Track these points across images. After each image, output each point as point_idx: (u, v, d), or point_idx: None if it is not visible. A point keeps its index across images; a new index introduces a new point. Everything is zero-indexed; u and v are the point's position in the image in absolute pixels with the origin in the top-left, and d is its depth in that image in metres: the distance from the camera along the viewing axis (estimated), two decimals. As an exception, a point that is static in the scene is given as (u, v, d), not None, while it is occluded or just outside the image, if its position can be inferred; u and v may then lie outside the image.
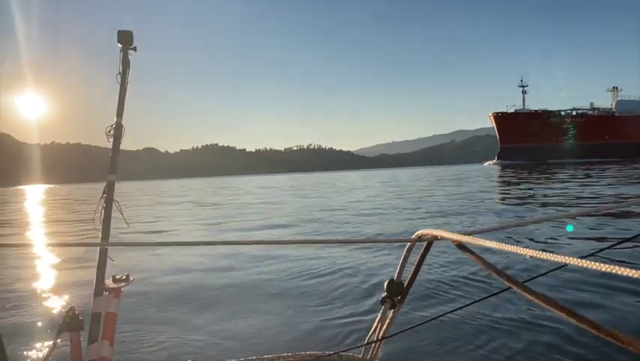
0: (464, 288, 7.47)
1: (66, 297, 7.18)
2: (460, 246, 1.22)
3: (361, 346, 1.93)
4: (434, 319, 5.10)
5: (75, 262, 9.72)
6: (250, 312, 5.99)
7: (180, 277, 7.84)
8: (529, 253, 0.95)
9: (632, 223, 11.54)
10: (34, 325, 5.72)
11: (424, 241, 1.44)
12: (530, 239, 10.52)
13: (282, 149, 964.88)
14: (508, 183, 31.77)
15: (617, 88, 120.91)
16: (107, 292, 1.85)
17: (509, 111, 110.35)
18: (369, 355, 1.90)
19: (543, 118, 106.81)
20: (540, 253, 0.92)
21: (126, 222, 2.03)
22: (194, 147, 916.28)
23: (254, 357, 1.94)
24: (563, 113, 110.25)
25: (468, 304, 6.10)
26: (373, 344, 1.85)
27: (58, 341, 1.82)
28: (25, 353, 4.64)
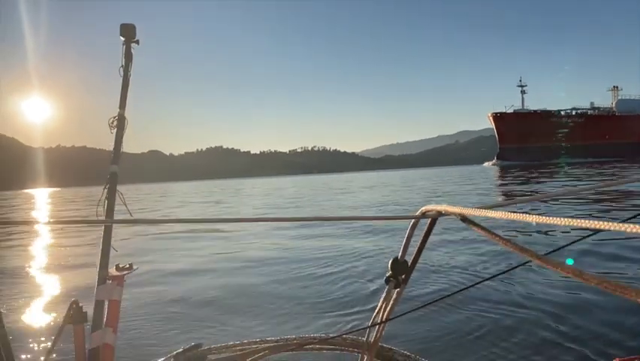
0: (470, 267, 7.82)
1: (70, 286, 7.43)
2: (465, 220, 1.18)
3: (365, 328, 1.92)
4: (440, 300, 5.14)
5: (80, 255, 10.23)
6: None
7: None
8: (535, 219, 0.92)
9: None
10: (39, 316, 5.88)
11: (429, 217, 1.38)
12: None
13: (287, 151, 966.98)
14: (524, 182, 32.00)
15: (617, 87, 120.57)
16: (110, 281, 1.87)
17: (508, 111, 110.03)
18: (373, 337, 1.88)
19: (542, 118, 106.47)
20: (547, 218, 0.89)
21: (130, 213, 2.03)
22: (199, 149, 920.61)
23: (257, 339, 1.93)
24: (562, 112, 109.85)
25: (473, 285, 6.15)
26: (377, 326, 1.83)
27: (62, 333, 1.82)
28: (29, 346, 4.68)
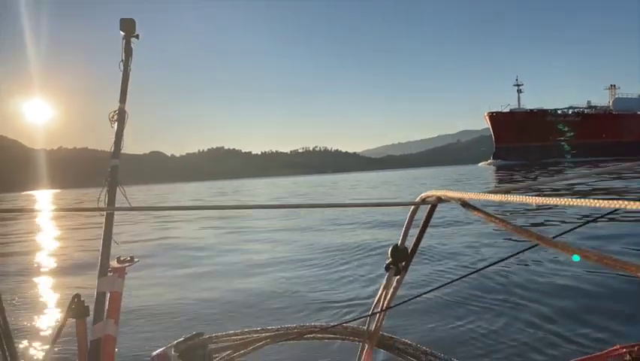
0: (472, 253, 8.05)
1: (72, 279, 7.78)
2: (466, 205, 1.18)
3: (366, 316, 1.93)
4: (441, 287, 5.12)
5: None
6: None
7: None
8: (535, 200, 0.91)
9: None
10: (41, 309, 6.01)
11: (428, 203, 1.39)
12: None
13: (288, 151, 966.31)
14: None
15: (614, 86, 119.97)
16: (111, 273, 1.89)
17: (504, 111, 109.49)
18: (373, 326, 1.90)
19: (539, 117, 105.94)
20: (547, 199, 0.88)
21: (129, 203, 2.00)
22: (200, 150, 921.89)
23: (258, 328, 1.95)
24: (559, 111, 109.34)
25: (475, 271, 6.17)
26: (378, 315, 1.85)
27: (64, 327, 1.85)
28: (31, 340, 4.72)
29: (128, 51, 2.12)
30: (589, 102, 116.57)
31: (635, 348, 1.68)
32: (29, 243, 14.00)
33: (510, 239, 8.94)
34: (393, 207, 2.01)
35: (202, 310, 5.72)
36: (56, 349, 1.84)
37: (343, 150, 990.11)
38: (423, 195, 1.38)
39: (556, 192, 18.25)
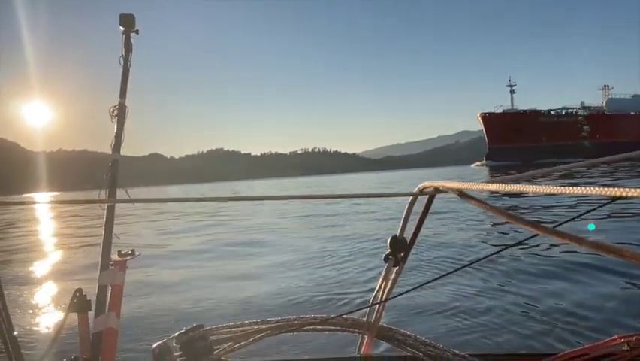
0: (471, 243, 8.11)
1: (75, 275, 7.87)
2: (463, 195, 1.17)
3: (365, 308, 1.95)
4: (439, 278, 5.06)
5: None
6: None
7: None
8: (531, 188, 0.90)
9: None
10: (44, 305, 6.05)
11: (426, 194, 1.39)
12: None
13: (287, 152, 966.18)
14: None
15: (608, 86, 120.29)
16: (112, 266, 1.90)
17: (497, 112, 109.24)
18: (373, 317, 1.91)
19: (532, 118, 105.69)
20: (544, 187, 0.87)
21: (128, 195, 2.01)
22: (200, 152, 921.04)
23: (259, 320, 1.97)
24: (552, 112, 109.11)
25: (474, 261, 6.18)
26: (377, 306, 1.86)
27: (66, 321, 1.86)
28: (33, 334, 4.77)
29: (127, 46, 2.12)
30: (582, 103, 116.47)
31: (634, 338, 1.73)
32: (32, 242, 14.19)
33: (509, 229, 8.96)
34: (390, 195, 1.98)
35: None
36: (58, 342, 1.80)
37: (342, 151, 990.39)
38: (421, 185, 1.38)
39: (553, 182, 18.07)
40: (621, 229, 8.61)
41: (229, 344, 1.87)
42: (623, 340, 1.72)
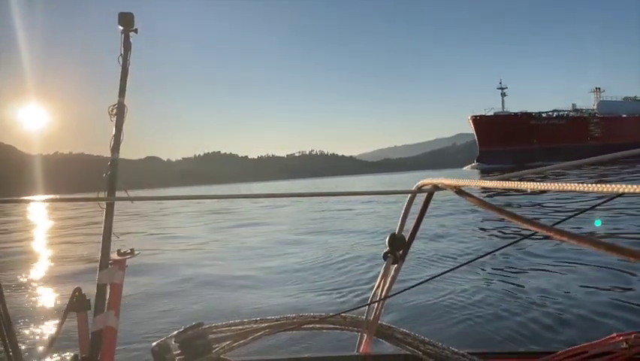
0: (470, 241, 8.13)
1: (74, 273, 7.94)
2: (461, 192, 1.17)
3: (365, 306, 1.96)
4: (437, 276, 5.04)
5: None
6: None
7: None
8: (530, 186, 0.89)
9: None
10: (42, 304, 6.08)
11: (425, 191, 1.38)
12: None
13: (284, 155, 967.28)
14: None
15: (599, 89, 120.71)
16: (112, 265, 1.90)
17: (488, 114, 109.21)
18: (372, 315, 1.91)
19: (523, 120, 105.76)
20: (542, 184, 0.86)
21: (127, 194, 2.01)
22: (196, 154, 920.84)
23: (258, 318, 1.97)
24: (544, 115, 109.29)
25: (474, 259, 6.15)
26: (376, 304, 1.85)
27: (66, 320, 1.86)
28: (32, 332, 4.78)
29: (126, 45, 2.12)
30: (574, 105, 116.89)
31: (632, 336, 1.74)
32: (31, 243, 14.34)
33: (507, 227, 9.00)
34: (389, 193, 1.97)
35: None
36: (58, 341, 1.80)
37: (340, 154, 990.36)
38: (419, 183, 1.39)
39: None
40: (619, 226, 8.71)
41: (228, 342, 1.88)
42: (621, 338, 1.74)
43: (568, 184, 0.81)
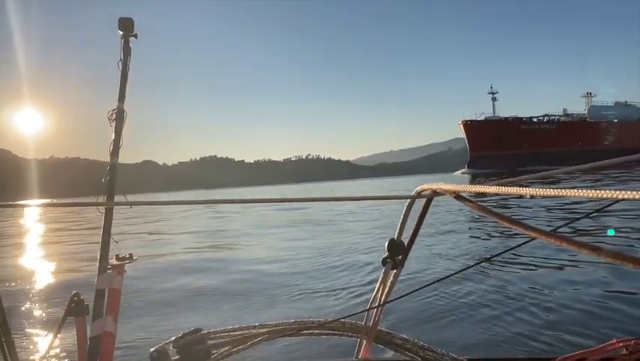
0: (469, 246, 8.14)
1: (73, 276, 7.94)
2: (460, 197, 1.17)
3: (364, 311, 1.94)
4: (437, 281, 5.28)
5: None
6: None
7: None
8: (529, 192, 0.88)
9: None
10: (40, 308, 6.06)
11: (424, 197, 1.38)
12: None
13: (281, 159, 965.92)
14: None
15: (590, 94, 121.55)
16: (110, 270, 1.89)
17: (479, 119, 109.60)
18: (371, 320, 1.91)
19: (514, 125, 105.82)
20: (541, 190, 0.85)
21: (126, 198, 1.97)
22: (193, 158, 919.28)
23: (257, 324, 1.96)
24: (535, 119, 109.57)
25: (471, 266, 6.18)
26: (376, 310, 1.86)
27: (64, 325, 1.85)
28: (30, 338, 4.80)
29: (126, 50, 2.12)
30: (565, 110, 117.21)
31: (632, 342, 1.72)
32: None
33: (506, 232, 9.03)
34: (388, 198, 1.91)
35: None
36: (56, 346, 1.86)
37: (336, 158, 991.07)
38: (418, 188, 1.38)
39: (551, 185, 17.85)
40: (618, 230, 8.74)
41: (227, 347, 1.88)
42: (621, 344, 1.74)
43: (567, 190, 0.80)
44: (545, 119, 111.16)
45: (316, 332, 1.98)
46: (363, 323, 1.95)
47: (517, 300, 5.03)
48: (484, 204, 1.08)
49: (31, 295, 6.92)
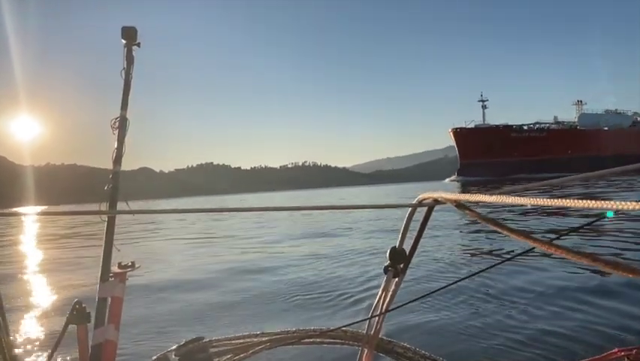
0: (471, 255, 8.10)
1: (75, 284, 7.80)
2: (461, 206, 1.17)
3: (365, 320, 1.93)
4: (440, 290, 5.00)
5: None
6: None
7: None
8: (530, 201, 0.89)
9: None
10: (42, 316, 6.01)
11: (425, 205, 1.38)
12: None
13: (277, 166, 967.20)
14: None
15: (581, 102, 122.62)
16: (112, 278, 1.89)
17: (469, 126, 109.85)
18: (372, 329, 1.90)
19: (504, 133, 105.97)
20: (542, 200, 0.85)
21: (128, 205, 1.98)
22: (189, 165, 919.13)
23: (258, 332, 1.96)
24: (525, 127, 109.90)
25: (474, 274, 6.16)
26: (377, 318, 1.85)
27: (65, 333, 1.84)
28: (32, 345, 4.71)
29: (129, 59, 2.14)
30: (555, 118, 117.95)
31: (634, 351, 1.72)
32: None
33: (507, 241, 9.05)
34: (389, 206, 1.93)
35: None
36: (58, 355, 1.86)
37: (333, 165, 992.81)
38: (420, 197, 1.38)
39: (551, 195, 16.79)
40: (617, 240, 8.77)
41: (229, 356, 1.88)
42: (622, 353, 1.74)
43: (568, 200, 0.81)
44: (536, 126, 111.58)
45: (318, 340, 2.00)
46: (364, 332, 1.94)
47: (519, 309, 5.05)
48: (485, 212, 1.10)
49: (31, 303, 6.92)
